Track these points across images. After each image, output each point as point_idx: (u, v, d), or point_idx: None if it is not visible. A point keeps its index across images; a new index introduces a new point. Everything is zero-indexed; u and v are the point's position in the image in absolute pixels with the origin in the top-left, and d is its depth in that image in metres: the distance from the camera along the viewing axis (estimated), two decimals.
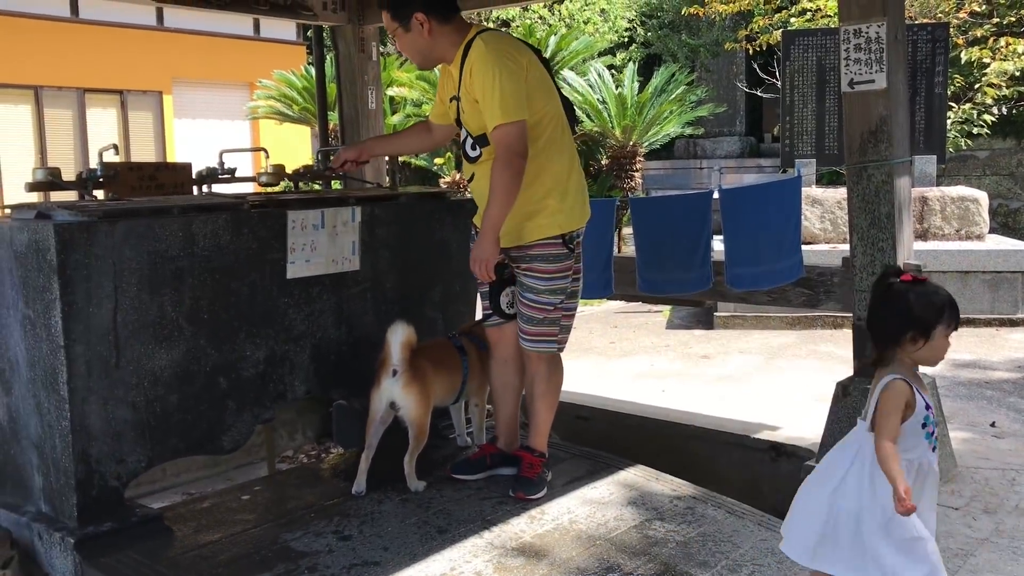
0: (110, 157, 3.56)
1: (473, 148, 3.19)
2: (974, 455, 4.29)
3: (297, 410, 5.14)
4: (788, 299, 4.40)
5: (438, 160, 12.12)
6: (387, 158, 4.95)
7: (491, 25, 15.40)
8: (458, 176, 11.39)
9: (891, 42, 3.83)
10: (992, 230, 9.66)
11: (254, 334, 3.28)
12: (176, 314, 3.05)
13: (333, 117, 6.44)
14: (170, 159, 14.54)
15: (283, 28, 16.61)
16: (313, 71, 10.31)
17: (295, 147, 14.67)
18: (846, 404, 3.98)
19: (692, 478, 3.74)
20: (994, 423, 4.91)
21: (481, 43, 3.05)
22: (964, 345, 6.75)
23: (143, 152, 15.13)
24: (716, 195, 4.30)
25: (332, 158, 3.67)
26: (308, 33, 14.42)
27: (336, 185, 5.33)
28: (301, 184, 4.24)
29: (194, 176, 3.93)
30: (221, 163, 3.74)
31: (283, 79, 14.50)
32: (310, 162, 5.11)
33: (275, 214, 3.29)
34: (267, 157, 3.58)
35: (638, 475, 3.53)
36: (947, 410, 5.12)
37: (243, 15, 5.64)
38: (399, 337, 3.18)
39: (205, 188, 3.94)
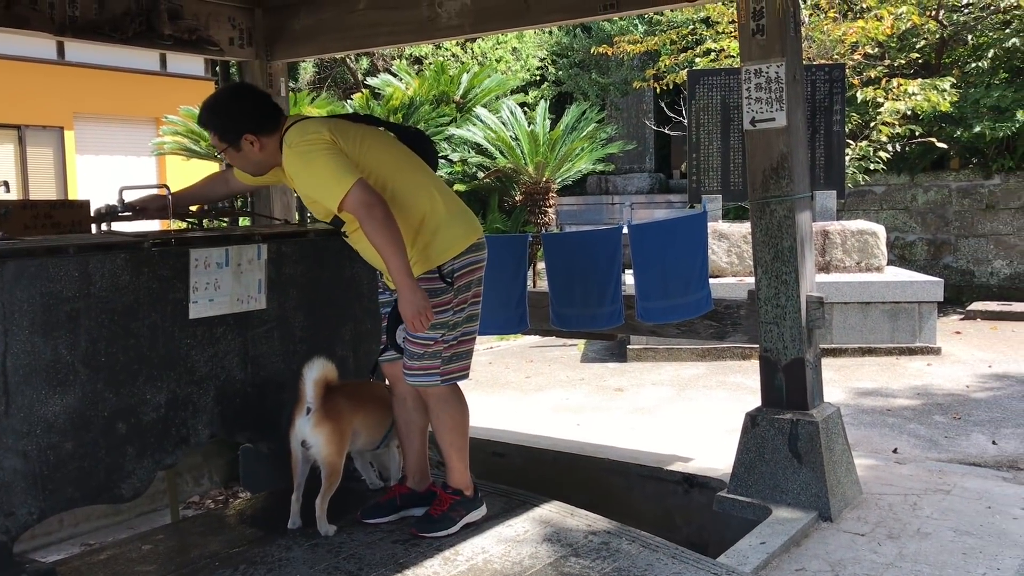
0: (1, 195, 3.41)
1: (338, 227, 3.18)
2: (878, 481, 4.40)
3: (203, 454, 4.98)
4: (697, 332, 4.47)
5: None
6: (295, 192, 4.87)
7: (404, 64, 15.45)
8: None
9: (790, 82, 3.96)
10: (890, 262, 10.06)
11: (155, 377, 3.16)
12: (71, 357, 2.92)
13: None
14: (72, 196, 14.07)
15: (191, 63, 16.32)
16: None
17: None
18: (755, 434, 4.05)
19: (608, 511, 3.74)
20: (896, 449, 5.06)
21: (286, 147, 3.08)
22: (866, 374, 6.97)
23: (43, 189, 14.61)
24: (626, 230, 4.35)
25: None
26: (217, 68, 14.22)
27: (244, 222, 5.23)
28: (206, 221, 4.14)
29: (92, 214, 3.80)
30: (121, 200, 3.62)
31: (190, 115, 14.23)
32: None
33: (177, 252, 3.20)
34: (169, 193, 3.48)
35: (553, 511, 3.51)
36: (852, 438, 5.25)
37: (149, 50, 5.52)
38: (314, 374, 3.11)
39: (104, 226, 3.81)
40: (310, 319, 3.72)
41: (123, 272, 3.05)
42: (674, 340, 7.39)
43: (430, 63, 15.56)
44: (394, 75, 15.06)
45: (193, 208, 3.97)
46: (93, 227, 3.78)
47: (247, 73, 5.46)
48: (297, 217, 4.96)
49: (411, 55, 16.35)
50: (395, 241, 2.97)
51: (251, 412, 3.51)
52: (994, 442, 5.19)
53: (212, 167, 15.05)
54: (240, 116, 3.15)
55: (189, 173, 14.88)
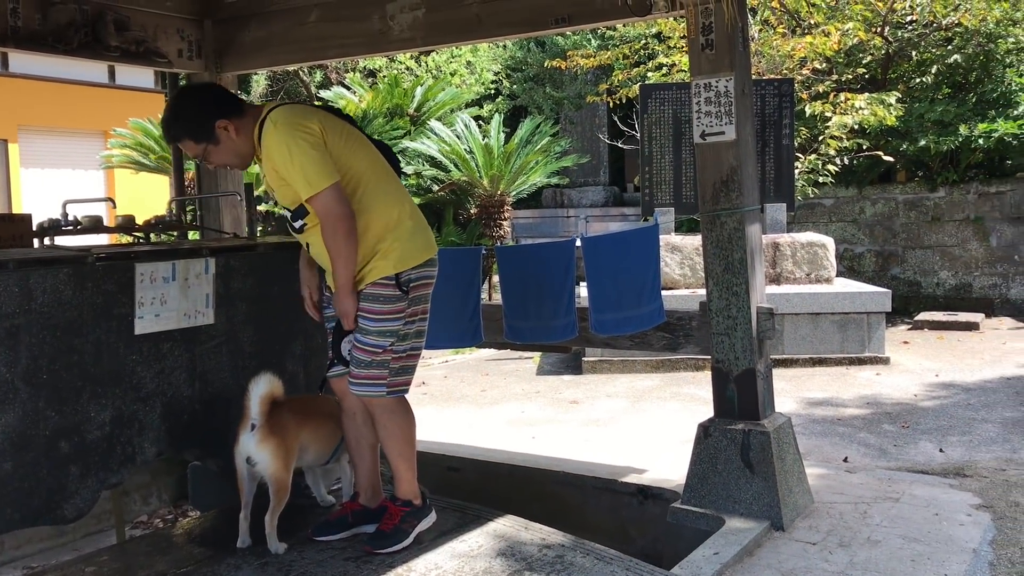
0: None
1: (295, 220, 3.15)
2: (829, 490, 4.44)
3: (152, 473, 4.88)
4: (650, 343, 4.49)
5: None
6: (245, 205, 4.83)
7: (357, 77, 15.40)
8: None
9: (739, 96, 4.01)
10: (840, 273, 10.22)
11: (99, 394, 3.09)
12: (11, 375, 2.84)
13: (191, 166, 6.25)
14: (16, 210, 13.76)
15: (140, 75, 16.10)
16: None
17: (153, 197, 14.14)
18: (708, 445, 4.07)
19: (563, 524, 3.73)
20: (846, 458, 5.12)
21: (270, 123, 3.05)
22: (817, 384, 7.07)
23: None
24: (579, 243, 4.37)
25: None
26: (167, 81, 14.05)
27: (195, 236, 5.15)
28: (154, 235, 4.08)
29: (35, 228, 3.72)
30: (64, 214, 3.55)
31: (139, 127, 14.03)
32: (163, 212, 4.92)
33: (122, 267, 3.13)
34: (114, 207, 3.42)
35: (507, 525, 3.49)
36: (803, 447, 5.31)
37: (97, 61, 5.43)
38: (259, 389, 3.06)
39: (48, 240, 3.73)
40: (260, 334, 3.67)
41: (66, 287, 2.98)
42: (628, 352, 7.43)
43: (384, 76, 15.52)
44: (347, 88, 15.00)
45: (139, 222, 3.91)
46: (36, 241, 3.69)
47: None
48: (247, 231, 4.90)
49: (365, 68, 16.30)
50: (351, 255, 3.00)
51: (199, 429, 3.45)
52: (941, 450, 5.27)
53: (162, 181, 14.86)
54: (204, 107, 3.12)
55: (138, 187, 14.67)
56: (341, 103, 12.71)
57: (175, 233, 4.57)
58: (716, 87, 4.03)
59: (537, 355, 8.50)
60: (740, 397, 4.09)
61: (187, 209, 6.39)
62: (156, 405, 3.28)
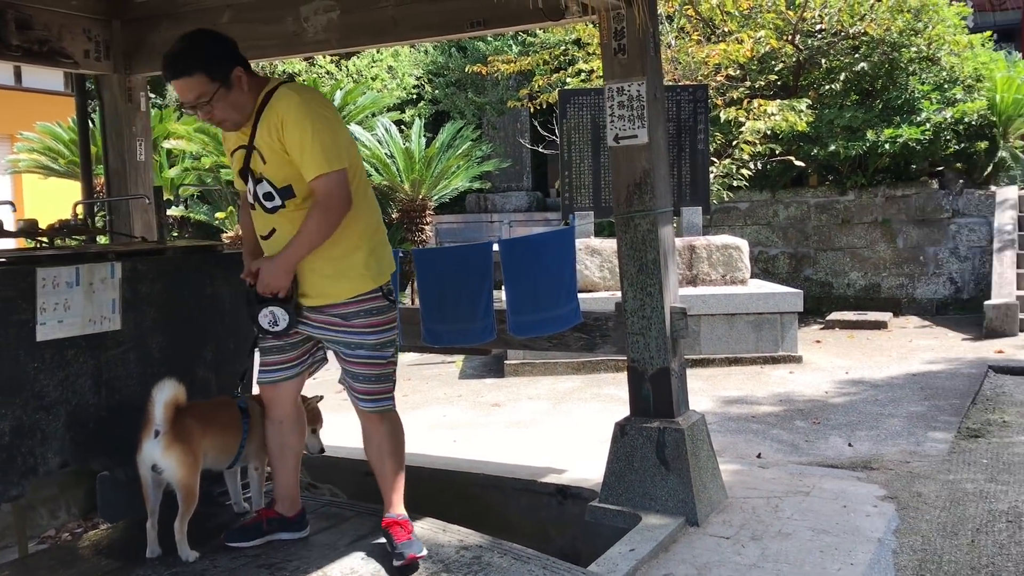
0: None
1: (270, 199, 3.04)
2: (743, 486, 4.55)
3: (59, 485, 4.72)
4: (568, 344, 4.53)
5: (220, 215, 11.70)
6: (155, 209, 4.72)
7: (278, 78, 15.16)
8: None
9: (651, 100, 4.08)
10: (754, 275, 10.46)
11: None
12: None
13: (100, 170, 6.07)
14: None
15: (49, 77, 15.58)
16: None
17: (62, 203, 13.70)
18: (625, 443, 4.13)
19: (484, 526, 3.74)
20: (760, 454, 5.25)
21: (292, 93, 2.98)
22: (733, 383, 7.22)
23: None
24: (496, 246, 4.38)
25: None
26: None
27: (104, 240, 5.02)
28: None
29: None
30: None
31: (47, 131, 13.58)
32: (67, 217, 4.77)
33: (21, 271, 3.03)
34: (13, 211, 3.31)
35: (424, 528, 3.48)
36: (718, 444, 5.42)
37: (2, 63, 5.25)
38: (163, 396, 2.99)
39: None
40: (169, 340, 3.59)
41: None
42: (550, 354, 7.49)
43: (303, 80, 15.32)
44: None
45: (43, 226, 3.78)
46: None
47: (105, 87, 5.25)
48: (158, 236, 4.79)
49: (284, 71, 16.07)
50: (320, 242, 2.97)
51: (106, 438, 3.36)
52: (850, 444, 5.44)
53: (72, 186, 14.40)
54: (226, 47, 2.98)
55: (46, 192, 14.19)
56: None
57: (82, 238, 4.44)
58: (629, 91, 4.09)
59: (460, 359, 8.49)
60: (655, 396, 4.16)
61: (97, 214, 6.22)
62: (60, 414, 3.18)
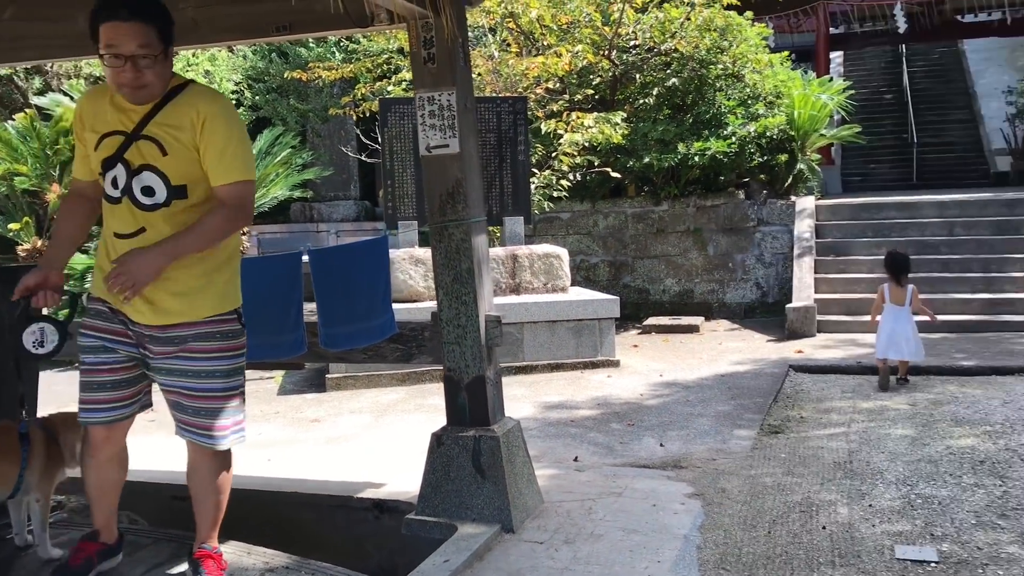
0: None
1: (149, 194, 2.81)
2: (559, 490, 4.62)
3: None
4: (384, 355, 4.47)
5: (13, 225, 10.85)
6: None
7: (79, 83, 14.26)
8: (39, 243, 10.28)
9: (462, 110, 4.09)
10: (577, 283, 10.74)
11: None
12: None
13: None
14: None
15: None
16: None
17: None
18: (441, 453, 4.11)
19: (298, 545, 3.64)
20: (576, 458, 5.36)
21: (214, 94, 2.92)
22: (554, 388, 7.36)
23: None
24: (307, 256, 4.27)
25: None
26: None
27: None
28: None
29: None
30: None
31: None
32: None
33: None
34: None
35: (228, 551, 3.33)
36: (537, 449, 5.50)
37: None
38: None
39: None
40: None
41: None
42: (375, 366, 7.39)
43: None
44: (67, 95, 13.87)
45: None
46: None
47: None
48: None
49: (91, 75, 15.15)
50: (208, 247, 2.84)
51: None
52: (662, 444, 5.65)
53: None
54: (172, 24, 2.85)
55: None
56: (58, 111, 11.68)
57: None
58: (439, 100, 4.09)
59: (279, 374, 8.24)
60: (471, 404, 4.16)
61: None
62: None
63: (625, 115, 10.79)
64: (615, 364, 8.11)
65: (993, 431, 5.55)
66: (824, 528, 4.07)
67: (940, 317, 8.99)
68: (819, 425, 5.99)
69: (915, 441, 5.45)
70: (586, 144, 9.94)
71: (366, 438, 6.05)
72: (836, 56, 24.45)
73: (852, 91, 23.35)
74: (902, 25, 14.71)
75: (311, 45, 15.27)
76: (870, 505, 4.36)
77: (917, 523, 4.10)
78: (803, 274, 9.98)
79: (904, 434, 5.62)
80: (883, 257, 7.36)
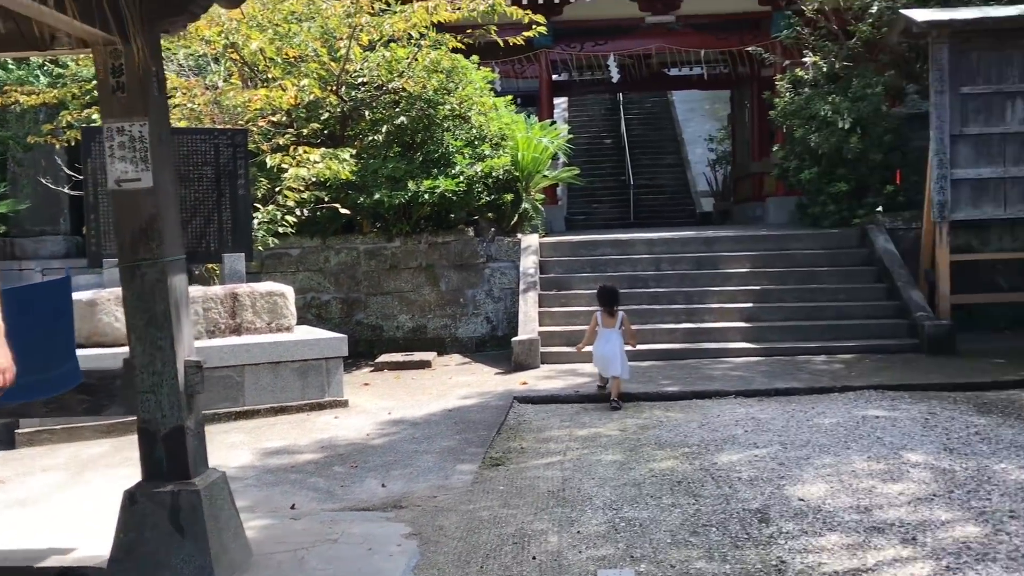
0: None
1: None
2: (272, 540, 4.42)
3: None
4: (69, 408, 4.09)
5: None
6: None
7: None
8: None
9: (156, 142, 3.85)
10: (307, 321, 10.49)
11: None
12: None
13: None
14: None
15: None
16: None
17: None
18: (135, 512, 3.81)
19: None
20: (294, 505, 5.16)
21: None
22: (276, 433, 7.08)
23: None
24: None
25: None
26: None
27: None
28: None
29: None
30: None
31: None
32: None
33: None
34: None
35: None
36: (254, 499, 5.25)
37: None
38: None
39: None
40: None
41: None
42: (76, 418, 6.76)
43: None
44: None
45: None
46: None
47: None
48: None
49: None
50: None
51: None
52: (383, 485, 5.58)
53: None
54: None
55: None
56: None
57: None
58: (130, 132, 3.84)
59: None
60: (169, 457, 3.89)
61: None
62: None
63: (355, 151, 10.75)
64: (343, 404, 7.96)
65: (690, 452, 5.98)
66: (534, 558, 4.17)
67: (650, 346, 9.72)
68: (538, 455, 6.18)
69: (623, 466, 5.76)
70: (315, 179, 9.78)
71: (60, 498, 5.49)
72: (561, 101, 25.96)
73: (575, 135, 24.85)
74: (616, 75, 15.84)
75: (9, 66, 13.95)
76: (578, 531, 4.53)
77: (620, 546, 4.31)
78: (528, 308, 10.35)
79: (613, 459, 5.93)
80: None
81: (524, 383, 8.79)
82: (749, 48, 14.21)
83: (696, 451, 6.01)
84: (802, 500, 4.88)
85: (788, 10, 13.79)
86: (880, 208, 11.73)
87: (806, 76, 12.88)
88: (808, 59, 12.93)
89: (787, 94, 13.01)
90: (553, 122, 14.12)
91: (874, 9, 12.45)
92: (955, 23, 10.31)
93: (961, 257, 10.78)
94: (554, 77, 18.19)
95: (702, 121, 25.51)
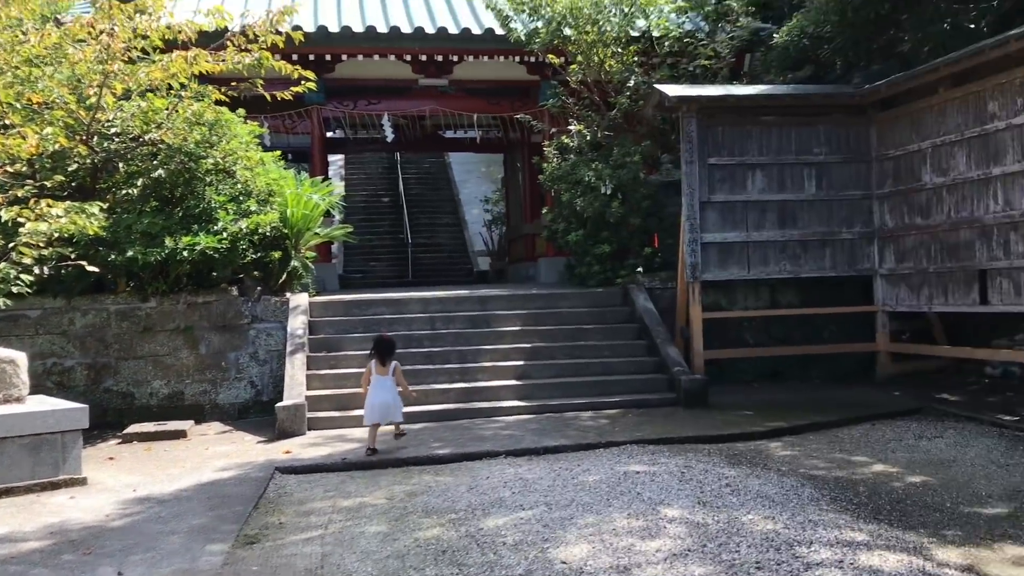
0: None
1: None
2: None
3: None
4: None
5: None
6: None
7: None
8: None
9: None
10: (46, 390, 9.55)
11: None
12: None
13: None
14: None
15: None
16: None
17: None
18: None
19: None
20: None
21: None
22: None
23: None
24: None
25: None
26: None
27: None
28: None
29: None
30: None
31: None
32: None
33: None
34: None
35: None
36: None
37: None
38: None
39: None
40: None
41: None
42: None
43: None
44: None
45: None
46: None
47: None
48: None
49: None
50: None
51: None
52: (120, 573, 5.03)
53: None
54: None
55: None
56: None
57: None
58: None
59: None
60: None
61: None
62: None
63: (107, 205, 9.98)
64: (82, 482, 7.19)
65: (457, 518, 5.85)
66: None
67: (423, 407, 9.59)
68: (297, 529, 5.83)
69: (387, 537, 5.53)
70: (59, 235, 8.94)
71: None
72: (337, 159, 25.74)
73: (353, 193, 24.76)
74: (390, 135, 15.81)
75: None
76: None
77: None
78: (295, 371, 9.93)
79: (378, 530, 5.69)
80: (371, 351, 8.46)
81: (288, 452, 8.36)
82: (519, 115, 14.65)
83: (463, 517, 5.88)
84: (564, 563, 4.86)
85: (555, 80, 14.39)
86: (640, 269, 12.33)
87: (571, 143, 13.44)
88: (573, 127, 13.51)
89: (554, 160, 13.50)
90: (327, 179, 13.85)
91: (631, 83, 13.23)
92: (702, 99, 11.13)
93: (712, 315, 11.50)
94: (328, 134, 17.96)
95: (479, 183, 26.08)
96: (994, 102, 9.52)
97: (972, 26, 10.97)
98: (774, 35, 13.30)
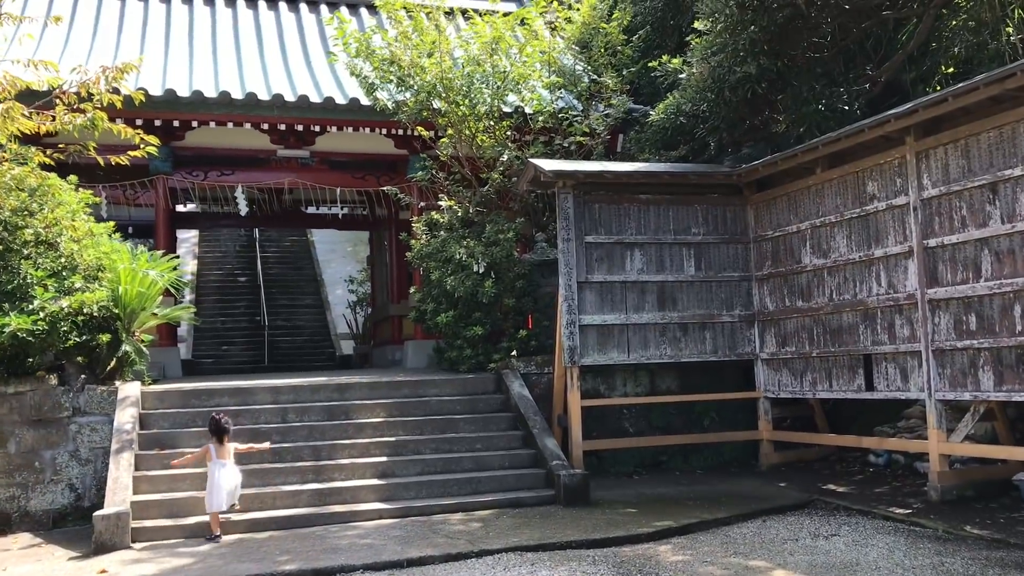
0: None
1: None
2: None
3: None
4: None
5: None
6: None
7: None
8: None
9: None
10: None
11: None
12: None
13: None
14: None
15: None
16: None
17: None
18: None
19: None
20: None
21: None
22: None
23: None
24: None
25: None
26: None
27: None
28: None
29: None
30: None
31: None
32: None
33: None
34: None
35: None
36: None
37: None
38: None
39: None
40: None
41: None
42: None
43: None
44: None
45: None
46: None
47: None
48: None
49: None
50: None
51: None
52: None
53: None
54: None
55: None
56: None
57: None
58: None
59: None
60: None
61: None
62: None
63: None
64: None
65: None
66: None
67: (269, 513, 8.43)
68: None
69: None
70: None
71: None
72: (191, 235, 24.22)
73: (207, 271, 23.21)
74: (244, 208, 14.70)
75: None
76: None
77: None
78: (120, 473, 8.56)
79: None
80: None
81: (104, 571, 7.00)
82: (386, 188, 13.85)
83: None
84: None
85: (424, 154, 13.71)
86: (515, 352, 11.55)
87: (442, 219, 12.69)
88: (444, 203, 12.79)
89: (424, 236, 12.70)
90: (174, 255, 12.57)
91: (504, 158, 12.66)
92: (579, 174, 10.62)
93: (591, 402, 10.80)
94: (179, 207, 16.66)
95: (343, 262, 25.00)
96: (873, 183, 9.36)
97: (846, 107, 10.94)
98: (649, 114, 13.07)
